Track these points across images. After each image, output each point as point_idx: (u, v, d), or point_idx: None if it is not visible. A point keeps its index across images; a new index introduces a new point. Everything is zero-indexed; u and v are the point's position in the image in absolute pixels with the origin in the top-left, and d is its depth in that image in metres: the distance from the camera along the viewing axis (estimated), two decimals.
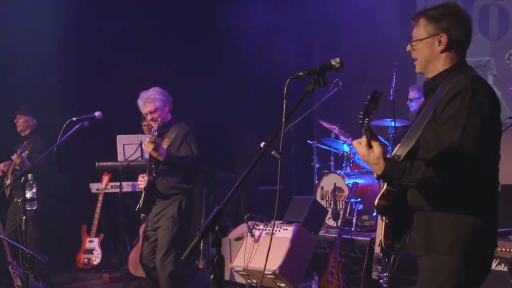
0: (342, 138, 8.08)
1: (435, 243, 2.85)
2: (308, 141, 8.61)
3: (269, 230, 6.67)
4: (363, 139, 2.71)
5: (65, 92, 10.02)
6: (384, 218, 2.95)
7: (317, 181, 8.50)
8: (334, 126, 8.05)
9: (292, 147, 9.24)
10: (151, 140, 5.50)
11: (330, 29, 9.81)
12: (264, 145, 2.61)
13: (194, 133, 6.02)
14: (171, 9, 10.22)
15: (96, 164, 9.17)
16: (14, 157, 7.21)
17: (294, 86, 2.79)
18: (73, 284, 8.33)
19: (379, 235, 3.05)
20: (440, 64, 2.99)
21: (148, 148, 5.54)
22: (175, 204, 5.80)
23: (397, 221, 2.92)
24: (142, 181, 5.87)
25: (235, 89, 10.35)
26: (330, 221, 7.75)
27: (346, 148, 8.13)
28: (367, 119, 2.63)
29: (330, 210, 7.73)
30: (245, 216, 6.86)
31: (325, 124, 8.11)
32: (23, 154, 7.16)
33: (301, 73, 2.77)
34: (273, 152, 2.62)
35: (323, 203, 7.92)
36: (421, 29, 3.01)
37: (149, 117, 5.88)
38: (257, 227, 6.78)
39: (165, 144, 5.84)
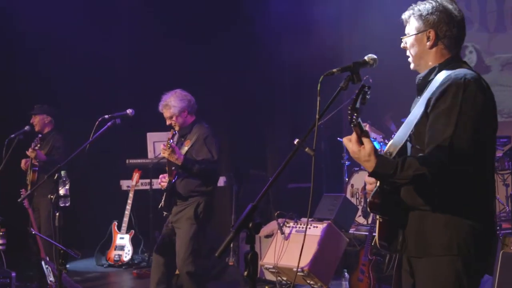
0: (372, 135, 8.04)
1: (430, 244, 2.77)
2: (338, 138, 8.57)
3: (299, 227, 6.65)
4: (353, 136, 2.66)
5: (96, 90, 10.13)
6: (378, 216, 2.88)
7: (347, 179, 8.47)
8: (365, 123, 7.99)
9: (322, 144, 9.21)
10: (166, 146, 5.57)
11: (362, 24, 9.73)
12: (297, 142, 2.60)
13: (215, 136, 6.05)
14: (200, 2, 10.25)
15: (127, 161, 9.25)
16: (28, 151, 7.31)
17: (327, 82, 2.77)
18: (104, 280, 8.40)
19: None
20: (431, 60, 2.95)
21: (165, 153, 5.61)
22: (193, 206, 5.85)
23: (391, 219, 2.86)
24: (163, 181, 5.95)
25: (267, 87, 10.33)
26: (360, 219, 7.72)
27: (376, 145, 8.07)
28: (355, 114, 2.56)
29: (360, 207, 7.70)
30: (275, 214, 6.85)
31: None
32: (36, 148, 7.26)
33: (334, 70, 2.74)
34: (306, 149, 2.60)
35: (353, 200, 7.89)
36: (411, 26, 2.99)
37: (168, 121, 6.00)
38: (287, 225, 6.77)
39: (186, 146, 5.91)
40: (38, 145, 7.31)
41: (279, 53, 10.13)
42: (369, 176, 2.77)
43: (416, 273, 2.89)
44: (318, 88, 2.66)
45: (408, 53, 3.04)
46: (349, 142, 2.68)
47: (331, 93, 2.73)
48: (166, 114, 5.97)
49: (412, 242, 2.82)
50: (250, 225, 2.42)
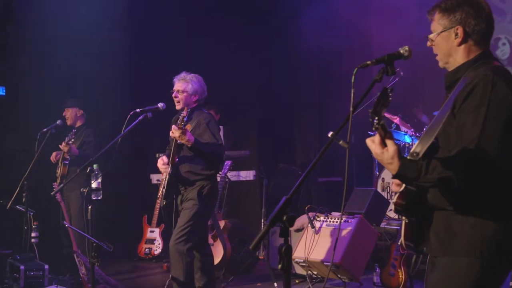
0: (403, 129, 7.98)
1: (453, 244, 2.70)
2: (369, 132, 8.51)
3: (330, 221, 6.63)
4: (377, 137, 2.59)
5: (129, 84, 10.20)
6: (403, 217, 2.82)
7: (377, 173, 8.42)
8: (395, 117, 7.96)
9: (352, 138, 9.15)
10: (179, 125, 5.46)
11: (393, 15, 9.63)
12: (331, 135, 2.56)
13: (216, 121, 5.96)
14: None
15: (157, 155, 9.27)
16: (62, 145, 7.37)
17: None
18: (134, 273, 8.46)
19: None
20: (460, 56, 2.85)
21: (175, 134, 5.47)
22: (196, 189, 5.76)
23: (417, 220, 2.79)
24: (162, 163, 5.85)
25: (295, 81, 10.31)
26: (391, 213, 7.66)
27: (407, 139, 8.02)
28: (376, 118, 2.49)
29: (391, 201, 7.64)
30: (306, 208, 6.83)
31: (386, 115, 8.00)
32: (70, 142, 7.32)
33: (369, 62, 2.68)
34: (341, 142, 2.57)
35: (384, 194, 7.84)
36: (436, 23, 2.89)
37: (174, 94, 5.86)
38: (318, 219, 6.75)
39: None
40: (72, 139, 7.38)
41: (307, 47, 10.08)
42: (392, 178, 2.72)
43: (433, 270, 2.85)
44: (352, 80, 2.61)
45: (434, 51, 2.95)
46: (372, 143, 2.62)
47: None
48: (178, 86, 5.85)
49: (436, 242, 2.76)
50: (284, 218, 2.41)
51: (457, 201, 2.65)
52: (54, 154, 7.74)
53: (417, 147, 2.66)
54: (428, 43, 2.96)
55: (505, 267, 2.72)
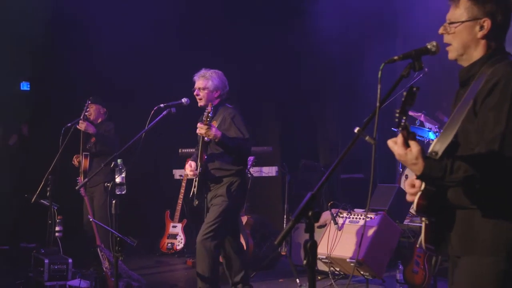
0: (427, 125, 7.92)
1: (476, 243, 2.64)
2: (392, 128, 8.46)
3: (353, 218, 6.60)
4: (399, 138, 2.55)
5: (152, 79, 10.24)
6: (424, 218, 2.75)
7: (401, 169, 8.37)
8: (419, 114, 7.90)
9: (374, 135, 9.09)
10: (205, 122, 5.47)
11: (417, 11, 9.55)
12: (358, 131, 2.54)
13: (241, 116, 5.93)
14: None
15: (180, 150, 9.31)
16: (78, 125, 7.40)
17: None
18: (157, 268, 8.49)
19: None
20: (478, 51, 2.76)
21: (202, 130, 5.49)
22: (226, 185, 5.78)
23: (438, 221, 2.73)
24: (190, 169, 5.85)
25: (318, 77, 10.27)
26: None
27: (431, 135, 7.96)
28: (404, 117, 2.47)
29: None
30: (328, 204, 6.80)
31: (410, 112, 7.95)
32: (86, 114, 7.36)
33: (395, 57, 2.63)
34: (367, 138, 2.55)
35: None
36: (461, 10, 2.75)
37: (195, 92, 5.89)
38: (341, 215, 6.72)
39: None
40: (86, 114, 7.44)
41: (329, 43, 10.05)
42: (417, 179, 2.66)
43: (456, 270, 2.77)
44: (379, 76, 2.57)
45: (447, 40, 2.83)
46: (395, 145, 2.59)
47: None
48: (199, 83, 5.88)
49: (457, 242, 2.71)
50: (310, 213, 2.39)
51: (480, 200, 2.60)
52: (74, 157, 7.79)
53: (436, 145, 2.61)
54: (442, 30, 2.84)
55: None
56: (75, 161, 7.80)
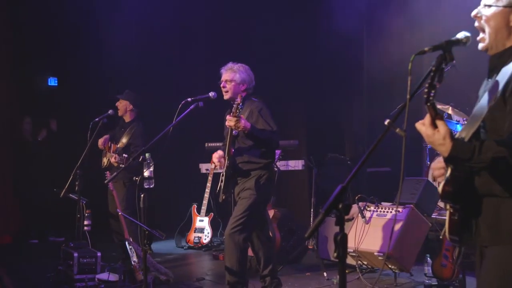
0: (455, 118, 7.84)
1: (504, 232, 2.59)
2: (420, 120, 8.38)
3: (380, 211, 6.57)
4: (427, 118, 2.53)
5: (180, 72, 10.28)
6: (449, 206, 2.71)
7: (429, 162, 8.30)
8: (447, 106, 7.82)
9: (403, 127, 9.02)
10: (234, 114, 5.46)
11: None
12: (388, 123, 2.53)
13: (268, 108, 5.91)
14: None
15: (206, 144, 9.33)
16: (112, 160, 7.38)
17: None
18: (184, 262, 8.53)
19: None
20: (510, 39, 2.72)
21: (231, 122, 5.48)
22: (253, 178, 5.77)
23: (463, 209, 2.67)
24: (217, 156, 5.87)
25: (344, 70, 10.22)
26: (443, 203, 7.54)
27: (459, 128, 7.87)
28: (433, 91, 2.44)
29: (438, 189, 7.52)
30: (356, 197, 6.78)
31: (438, 105, 7.86)
32: (117, 158, 7.33)
33: (426, 49, 2.59)
34: (397, 130, 2.54)
35: (435, 184, 7.71)
36: None
37: (222, 84, 5.88)
38: (368, 209, 6.70)
39: None
40: (118, 156, 7.39)
41: (356, 39, 10.01)
42: (445, 161, 2.62)
43: (484, 261, 2.73)
44: (409, 67, 2.53)
45: (478, 25, 2.80)
46: (423, 126, 2.57)
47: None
48: (226, 75, 5.88)
49: (485, 230, 2.66)
50: (340, 206, 2.38)
51: (509, 186, 2.55)
52: (101, 141, 7.75)
53: (462, 132, 2.60)
54: (475, 13, 2.81)
55: None
56: (101, 144, 7.73)
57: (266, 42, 10.20)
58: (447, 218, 2.74)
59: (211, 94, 5.88)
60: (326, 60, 10.15)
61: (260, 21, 10.17)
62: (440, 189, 2.66)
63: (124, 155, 7.26)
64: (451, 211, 2.71)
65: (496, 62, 2.78)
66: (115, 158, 7.29)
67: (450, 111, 7.81)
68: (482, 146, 2.48)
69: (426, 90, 2.48)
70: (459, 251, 5.91)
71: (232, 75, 5.85)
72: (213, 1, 10.50)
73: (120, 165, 7.18)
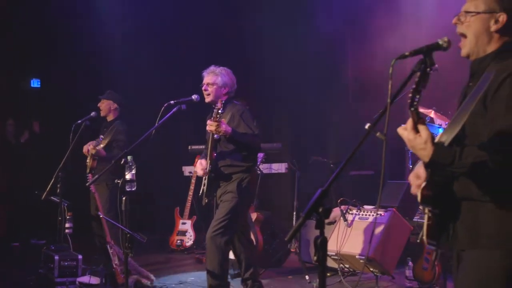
0: (437, 122, 7.87)
1: (483, 236, 2.61)
2: (402, 125, 8.41)
3: (362, 214, 6.59)
4: (409, 123, 2.55)
5: (162, 75, 10.26)
6: (427, 210, 2.71)
7: (411, 166, 8.33)
8: (429, 110, 7.86)
9: (383, 131, 9.05)
10: (215, 118, 5.47)
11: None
12: (368, 127, 2.53)
13: (250, 112, 5.93)
14: None
15: (189, 147, 9.32)
16: (90, 147, 7.35)
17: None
18: (166, 265, 8.50)
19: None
20: (490, 45, 2.75)
21: (212, 127, 5.49)
22: (236, 181, 5.77)
23: (442, 213, 2.68)
24: (201, 167, 5.85)
25: (328, 73, 10.25)
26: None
27: (441, 131, 7.91)
28: (418, 96, 2.45)
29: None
30: (338, 201, 6.80)
31: (420, 109, 7.90)
32: (98, 147, 7.32)
33: (407, 53, 2.59)
34: (378, 134, 2.54)
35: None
36: (479, 2, 2.75)
37: (204, 87, 5.89)
38: (350, 212, 6.72)
39: None
40: (101, 145, 7.37)
41: (340, 42, 10.04)
42: (425, 166, 2.64)
43: (461, 265, 2.75)
44: (390, 72, 2.54)
45: (460, 31, 2.82)
46: (405, 130, 2.58)
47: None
48: (208, 79, 5.88)
49: (464, 234, 2.68)
50: (320, 210, 2.38)
51: (487, 189, 2.57)
52: (85, 147, 7.75)
53: (443, 136, 2.60)
54: (455, 20, 2.83)
55: None
56: (86, 149, 7.72)
57: (249, 44, 10.21)
58: (425, 222, 2.74)
59: (194, 97, 5.87)
60: (310, 62, 10.18)
61: (242, 23, 10.18)
62: (419, 193, 2.67)
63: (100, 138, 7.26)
64: (430, 215, 2.72)
65: (477, 67, 2.80)
66: (93, 146, 7.26)
67: (432, 115, 7.84)
68: (463, 151, 2.51)
69: (410, 95, 2.50)
70: (436, 255, 5.95)
71: (214, 78, 5.86)
72: (197, 3, 10.48)
73: (98, 152, 7.26)
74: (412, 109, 2.53)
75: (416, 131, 2.56)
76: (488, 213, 2.61)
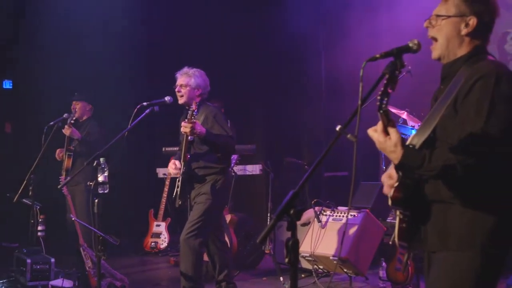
0: (410, 123, 7.92)
1: (453, 238, 2.63)
2: (372, 127, 8.44)
3: (336, 216, 6.62)
4: (379, 125, 2.57)
5: (135, 78, 10.21)
6: (398, 212, 2.73)
7: (384, 167, 8.38)
8: (402, 111, 7.90)
9: (358, 132, 9.08)
10: (189, 121, 5.45)
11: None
12: (339, 129, 2.54)
13: (222, 114, 5.96)
14: None
15: (163, 149, 9.28)
16: (64, 129, 7.35)
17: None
18: (140, 267, 8.47)
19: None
20: (461, 48, 2.78)
21: (186, 129, 5.47)
22: (209, 183, 5.77)
23: (412, 215, 2.71)
24: (174, 167, 5.84)
25: (302, 73, 10.27)
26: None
27: (414, 133, 7.96)
28: (386, 98, 2.47)
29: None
30: (312, 202, 6.82)
31: (393, 110, 7.96)
32: (72, 121, 7.32)
33: (377, 55, 2.60)
34: (348, 136, 2.55)
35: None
36: (449, 6, 2.77)
37: (177, 88, 5.87)
38: (324, 213, 6.74)
39: None
40: (73, 121, 7.38)
41: (313, 43, 10.06)
42: (395, 168, 2.66)
43: (432, 266, 2.77)
44: (361, 74, 2.54)
45: (431, 34, 2.84)
46: (375, 132, 2.60)
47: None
48: (181, 80, 5.87)
49: (434, 236, 2.70)
50: (291, 211, 2.38)
51: (457, 192, 2.60)
52: (58, 151, 7.73)
53: (413, 139, 2.62)
54: (426, 23, 2.85)
55: (505, 259, 2.68)
56: (58, 156, 7.73)
57: (222, 44, 10.20)
58: (396, 224, 2.76)
59: (167, 98, 5.86)
60: (283, 63, 10.18)
61: (215, 23, 10.16)
62: (390, 195, 2.69)
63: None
64: (401, 217, 2.74)
65: (448, 70, 2.83)
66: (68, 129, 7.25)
67: (405, 117, 7.88)
68: (432, 154, 2.52)
69: (379, 97, 2.51)
70: (407, 256, 5.99)
71: (187, 80, 5.84)
72: (168, 2, 10.44)
73: (72, 133, 7.33)
74: (381, 111, 2.54)
75: (386, 133, 2.57)
76: (458, 215, 2.63)
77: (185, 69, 5.93)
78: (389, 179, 2.79)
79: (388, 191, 2.76)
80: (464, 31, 2.77)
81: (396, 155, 2.56)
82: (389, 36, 9.21)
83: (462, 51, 2.79)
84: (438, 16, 2.82)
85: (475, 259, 2.61)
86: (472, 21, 2.75)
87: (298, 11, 9.42)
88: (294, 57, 10.04)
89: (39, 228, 7.20)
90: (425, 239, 2.75)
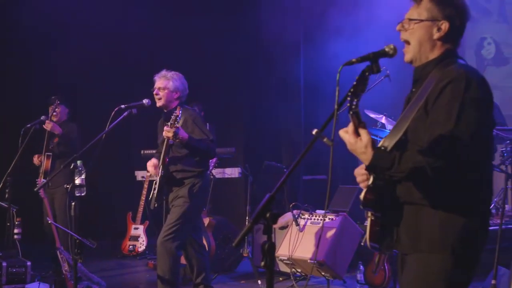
0: (388, 127, 7.97)
1: (424, 240, 2.66)
2: (344, 128, 8.45)
3: (314, 219, 6.63)
4: (350, 127, 2.61)
5: (113, 80, 10.16)
6: (370, 214, 2.75)
7: None
8: (381, 116, 7.95)
9: (336, 136, 9.11)
10: (171, 126, 5.45)
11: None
12: (316, 132, 2.55)
13: (201, 117, 5.99)
14: None
15: (142, 152, 9.24)
16: (45, 125, 7.31)
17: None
18: (118, 271, 8.43)
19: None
20: (433, 52, 2.81)
21: (169, 133, 5.46)
22: (187, 186, 5.78)
23: (384, 217, 2.73)
24: (151, 164, 5.86)
25: (281, 77, 10.29)
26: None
27: (386, 135, 7.99)
28: (356, 99, 2.50)
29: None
30: (290, 205, 6.83)
31: (371, 114, 8.01)
32: (53, 114, 7.29)
33: (354, 60, 2.62)
34: (325, 139, 2.56)
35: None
36: (422, 10, 2.80)
37: (155, 91, 5.87)
38: (302, 216, 6.75)
39: None
40: (54, 114, 7.36)
41: (293, 46, 10.08)
42: (366, 169, 2.69)
43: (405, 269, 2.80)
44: (337, 78, 2.57)
45: (403, 37, 2.87)
46: (346, 133, 2.63)
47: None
48: (159, 83, 5.86)
49: (406, 238, 2.72)
50: (268, 215, 2.39)
51: (428, 195, 2.62)
52: (35, 157, 7.67)
53: (385, 141, 2.64)
54: (399, 27, 2.88)
55: (477, 262, 2.70)
56: (36, 161, 7.68)
57: (201, 47, 10.19)
58: (368, 225, 2.78)
59: (145, 101, 5.84)
60: (263, 65, 10.19)
61: (193, 25, 10.14)
62: (361, 196, 2.70)
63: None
64: (372, 218, 2.76)
65: (420, 73, 2.85)
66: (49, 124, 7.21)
67: (383, 121, 7.93)
68: (402, 156, 2.54)
69: (349, 98, 2.53)
70: (379, 258, 6.03)
71: (165, 83, 5.84)
72: (145, 4, 10.41)
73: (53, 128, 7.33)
74: (351, 113, 2.56)
75: (357, 134, 2.60)
76: (429, 217, 2.65)
77: (164, 72, 5.93)
78: (360, 176, 2.83)
79: (360, 180, 2.83)
80: (436, 35, 2.80)
81: (366, 156, 2.59)
82: (368, 36, 9.27)
83: (434, 54, 2.82)
84: (410, 20, 2.84)
85: (446, 261, 2.63)
86: (444, 25, 2.78)
87: (276, 12, 9.43)
88: (272, 58, 10.05)
89: (15, 231, 7.14)
90: (397, 241, 2.77)
